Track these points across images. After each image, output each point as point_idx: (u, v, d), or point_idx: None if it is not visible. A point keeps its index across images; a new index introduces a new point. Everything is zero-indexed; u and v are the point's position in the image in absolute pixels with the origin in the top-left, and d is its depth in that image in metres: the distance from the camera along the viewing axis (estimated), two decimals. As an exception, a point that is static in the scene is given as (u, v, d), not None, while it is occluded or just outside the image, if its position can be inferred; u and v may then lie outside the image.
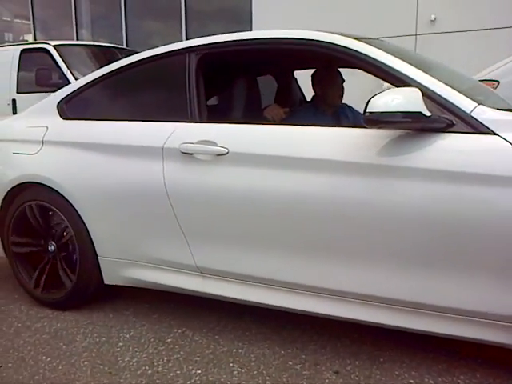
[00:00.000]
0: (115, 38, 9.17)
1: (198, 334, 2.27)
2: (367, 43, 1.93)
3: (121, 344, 2.21)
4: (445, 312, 1.73)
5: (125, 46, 8.66)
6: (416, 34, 6.72)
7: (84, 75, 5.94)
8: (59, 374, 1.99)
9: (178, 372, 1.97)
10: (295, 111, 2.75)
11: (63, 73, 5.62)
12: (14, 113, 5.96)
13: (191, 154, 2.09)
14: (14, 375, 1.98)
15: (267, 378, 1.90)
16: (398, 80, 1.80)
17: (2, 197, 2.58)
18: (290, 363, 2.00)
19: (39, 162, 2.48)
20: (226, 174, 2.02)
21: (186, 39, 8.56)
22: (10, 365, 2.06)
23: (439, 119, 1.67)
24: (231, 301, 2.19)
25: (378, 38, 2.45)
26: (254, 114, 2.41)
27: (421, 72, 1.80)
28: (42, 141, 2.51)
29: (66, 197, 2.38)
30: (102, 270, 2.42)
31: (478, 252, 1.63)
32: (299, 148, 1.89)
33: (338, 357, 2.03)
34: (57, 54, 5.77)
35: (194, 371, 1.97)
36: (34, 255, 2.61)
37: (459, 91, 1.74)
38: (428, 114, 1.62)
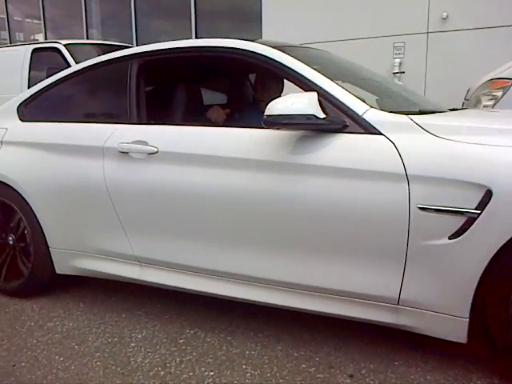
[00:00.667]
0: (125, 37, 9.20)
1: (210, 334, 2.26)
2: (284, 51, 2.11)
3: (133, 344, 2.20)
4: (342, 295, 1.92)
5: (134, 45, 8.68)
6: (428, 32, 6.66)
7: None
8: (72, 374, 1.98)
9: (191, 374, 1.96)
10: (239, 112, 2.86)
11: (74, 72, 5.64)
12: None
13: (127, 152, 2.30)
14: (27, 374, 1.98)
15: (281, 380, 1.89)
16: (305, 85, 1.98)
17: None
18: (304, 366, 1.98)
19: None
20: (157, 171, 2.22)
21: (196, 38, 8.56)
22: (23, 364, 2.06)
23: (334, 121, 1.85)
24: (165, 287, 2.39)
25: (302, 45, 2.66)
26: (187, 116, 2.59)
27: (324, 78, 1.97)
28: (1, 141, 2.74)
29: (21, 192, 2.58)
30: (53, 260, 2.61)
31: (367, 241, 1.81)
32: (217, 147, 2.09)
33: (353, 360, 2.01)
34: (67, 53, 5.80)
35: (206, 373, 1.95)
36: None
37: (359, 95, 1.94)
38: (322, 116, 1.80)
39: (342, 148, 1.84)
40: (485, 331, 1.76)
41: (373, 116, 1.85)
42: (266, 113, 1.84)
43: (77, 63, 5.69)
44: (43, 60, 5.98)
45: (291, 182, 1.91)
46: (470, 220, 1.62)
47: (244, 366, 1.99)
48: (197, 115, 2.67)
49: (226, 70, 2.85)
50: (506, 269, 1.64)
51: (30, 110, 2.78)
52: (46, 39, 10.40)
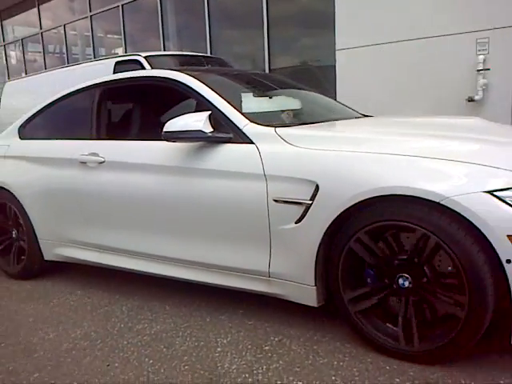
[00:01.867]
0: (199, 47, 9.45)
1: (295, 342, 2.21)
2: (199, 78, 2.66)
3: (219, 349, 2.20)
4: (228, 270, 2.43)
5: (208, 54, 8.90)
6: (494, 28, 6.22)
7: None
8: (162, 377, 2.02)
9: (279, 382, 1.92)
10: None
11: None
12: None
13: (85, 162, 2.92)
14: (120, 375, 2.05)
15: (373, 394, 1.80)
16: (205, 105, 2.50)
17: None
18: (398, 380, 1.87)
19: (1, 171, 3.44)
20: (104, 176, 2.82)
21: (268, 45, 8.61)
22: (116, 364, 2.13)
23: (219, 135, 2.35)
24: (118, 269, 2.93)
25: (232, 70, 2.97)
26: (127, 132, 3.13)
27: (220, 99, 2.48)
28: (4, 156, 3.49)
29: (16, 195, 3.28)
30: (41, 249, 3.26)
31: (243, 227, 2.31)
32: (141, 156, 2.67)
33: (451, 376, 1.87)
34: (147, 64, 6.03)
35: (295, 382, 1.91)
36: (6, 241, 3.50)
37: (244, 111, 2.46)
38: (208, 131, 2.30)
39: (225, 155, 2.35)
40: (330, 295, 2.20)
41: (250, 129, 2.35)
42: (163, 129, 2.37)
43: (156, 74, 5.94)
44: (125, 72, 6.28)
45: (188, 182, 2.46)
46: (307, 208, 2.08)
47: (333, 378, 1.92)
48: (134, 131, 3.17)
49: (157, 94, 3.20)
50: (334, 244, 2.08)
51: (26, 130, 3.51)
52: (125, 52, 10.94)
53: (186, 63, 6.98)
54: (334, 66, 6.68)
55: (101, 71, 6.61)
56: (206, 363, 2.09)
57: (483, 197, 1.72)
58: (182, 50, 9.01)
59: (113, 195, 2.77)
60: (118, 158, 2.78)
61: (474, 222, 1.72)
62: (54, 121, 3.40)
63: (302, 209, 2.10)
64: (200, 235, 2.47)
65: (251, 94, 2.99)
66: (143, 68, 5.99)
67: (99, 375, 2.06)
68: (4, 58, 16.50)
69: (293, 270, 2.20)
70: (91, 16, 12.54)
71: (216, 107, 2.45)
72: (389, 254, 2.01)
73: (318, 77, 8.04)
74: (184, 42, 10.71)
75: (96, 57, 12.27)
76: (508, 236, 1.68)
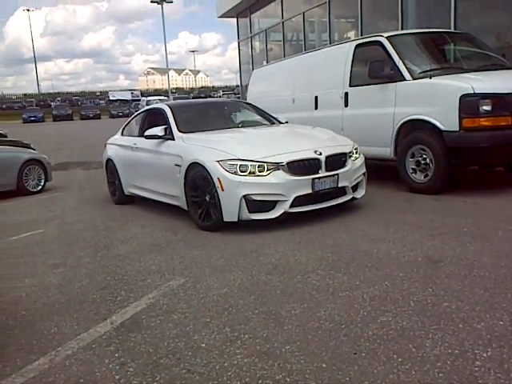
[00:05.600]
0: (443, 23, 8.71)
1: None
2: (169, 107, 5.71)
3: (478, 363, 1.94)
4: (162, 194, 5.39)
5: (453, 30, 8.10)
6: None
7: (416, 65, 5.71)
8: (413, 379, 1.88)
9: None
10: None
11: (395, 63, 5.61)
12: (346, 105, 6.35)
13: (133, 147, 5.93)
14: (368, 367, 1.98)
15: None
16: (166, 122, 5.40)
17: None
18: None
19: (108, 151, 6.68)
20: (137, 153, 5.82)
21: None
22: (363, 354, 2.08)
23: (167, 136, 5.17)
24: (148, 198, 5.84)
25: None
26: (141, 134, 6.19)
27: (172, 118, 5.38)
28: (112, 143, 6.64)
29: (115, 162, 6.32)
30: (123, 188, 6.25)
31: (167, 175, 5.10)
32: (144, 144, 5.68)
33: None
34: (389, 45, 5.79)
35: None
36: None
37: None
38: (161, 134, 5.18)
39: (169, 146, 5.09)
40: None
41: (177, 134, 5.13)
42: (145, 133, 5.41)
43: (399, 55, 5.65)
44: (365, 54, 6.15)
45: (156, 157, 5.30)
46: (180, 166, 4.96)
47: None
48: (141, 133, 5.99)
49: (156, 115, 5.95)
50: (186, 179, 4.76)
51: (123, 131, 6.67)
52: (360, 35, 10.85)
53: (428, 41, 6.49)
54: None
55: (341, 55, 6.68)
56: (465, 376, 1.86)
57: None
58: (422, 28, 8.42)
59: (138, 162, 5.78)
60: (139, 145, 5.76)
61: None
62: (128, 128, 6.63)
63: (179, 167, 4.74)
64: (157, 179, 5.32)
65: (194, 115, 5.92)
66: (385, 50, 5.79)
67: (346, 362, 2.03)
68: (250, 48, 18.29)
69: (179, 192, 4.81)
70: (329, 1, 12.80)
71: (169, 123, 5.32)
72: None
73: None
74: (424, 19, 10.03)
75: (331, 42, 12.51)
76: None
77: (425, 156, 5.28)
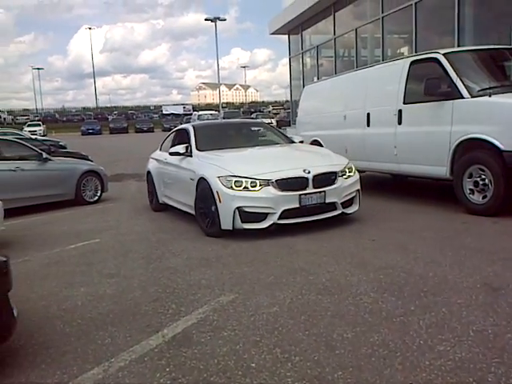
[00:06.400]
0: (501, 40, 8.40)
1: None
2: (194, 127, 6.48)
3: (547, 403, 1.81)
4: (185, 204, 6.21)
5: (514, 46, 7.79)
6: None
7: (474, 82, 5.51)
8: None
9: None
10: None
11: (452, 81, 5.45)
12: (399, 123, 6.21)
13: (164, 161, 6.73)
14: None
15: None
16: (188, 141, 6.21)
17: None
18: None
19: (149, 164, 7.39)
20: (167, 167, 6.58)
21: None
22: (419, 386, 1.99)
23: (187, 153, 5.89)
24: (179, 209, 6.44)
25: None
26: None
27: (193, 140, 6.04)
28: (152, 157, 7.35)
29: (152, 174, 7.05)
30: (158, 197, 6.91)
31: (189, 188, 5.52)
32: (170, 160, 6.49)
33: None
34: (446, 62, 5.63)
35: None
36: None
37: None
38: (183, 151, 5.89)
39: (188, 162, 5.79)
40: None
41: (195, 151, 5.81)
42: (169, 151, 6.29)
43: (456, 72, 5.49)
44: (420, 71, 6.00)
45: (179, 171, 5.99)
46: (194, 179, 5.64)
47: None
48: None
49: (182, 134, 6.79)
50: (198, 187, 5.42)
51: (161, 146, 7.30)
52: (415, 52, 10.65)
53: (487, 58, 6.27)
54: None
55: (395, 72, 6.57)
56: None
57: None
58: (480, 44, 8.15)
59: (167, 175, 6.46)
60: (168, 160, 6.35)
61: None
62: (166, 144, 7.16)
63: (194, 181, 5.33)
64: (179, 190, 5.98)
65: (214, 135, 6.51)
66: (442, 67, 5.65)
67: (402, 392, 1.96)
68: (301, 64, 18.37)
69: (193, 203, 5.44)
70: (382, 17, 12.67)
71: (191, 142, 5.96)
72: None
73: None
74: (482, 34, 9.72)
75: (384, 58, 12.35)
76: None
77: (483, 176, 5.07)
